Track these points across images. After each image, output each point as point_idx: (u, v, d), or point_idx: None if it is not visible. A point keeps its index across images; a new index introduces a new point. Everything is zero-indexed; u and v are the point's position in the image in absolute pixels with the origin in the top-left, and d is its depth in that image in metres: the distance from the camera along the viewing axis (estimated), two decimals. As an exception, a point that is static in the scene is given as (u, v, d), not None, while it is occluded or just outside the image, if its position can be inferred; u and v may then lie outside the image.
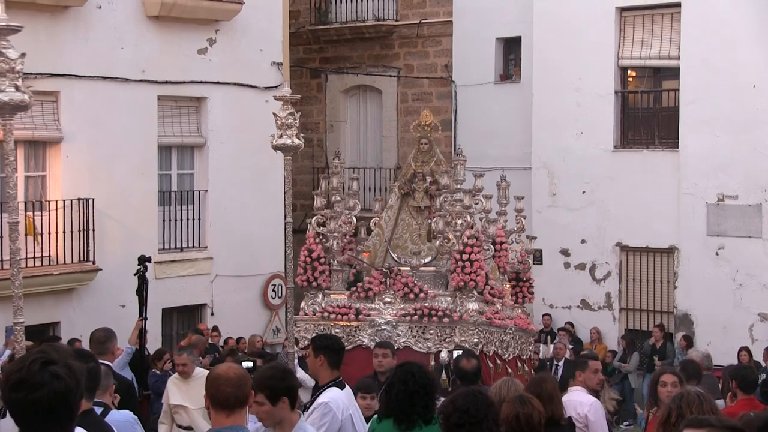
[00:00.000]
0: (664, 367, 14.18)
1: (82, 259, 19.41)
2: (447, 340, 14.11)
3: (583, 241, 23.55)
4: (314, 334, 12.80)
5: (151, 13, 20.75)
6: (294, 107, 11.51)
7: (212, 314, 22.01)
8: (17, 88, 7.71)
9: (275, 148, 11.68)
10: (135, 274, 16.28)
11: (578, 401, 9.59)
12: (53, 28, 18.76)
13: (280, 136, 11.53)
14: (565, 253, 23.78)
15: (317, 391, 8.79)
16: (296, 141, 11.59)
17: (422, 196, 15.95)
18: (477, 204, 15.01)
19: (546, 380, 8.20)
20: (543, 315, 23.48)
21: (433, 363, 13.92)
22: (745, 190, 21.57)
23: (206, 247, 22.16)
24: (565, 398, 9.36)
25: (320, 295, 14.94)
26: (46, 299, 19.09)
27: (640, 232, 22.83)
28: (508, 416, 6.65)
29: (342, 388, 8.66)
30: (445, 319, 14.09)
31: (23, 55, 7.80)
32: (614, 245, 23.28)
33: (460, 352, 12.31)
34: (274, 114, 11.66)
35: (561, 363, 18.54)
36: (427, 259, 15.58)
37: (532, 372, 15.79)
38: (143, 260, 16.55)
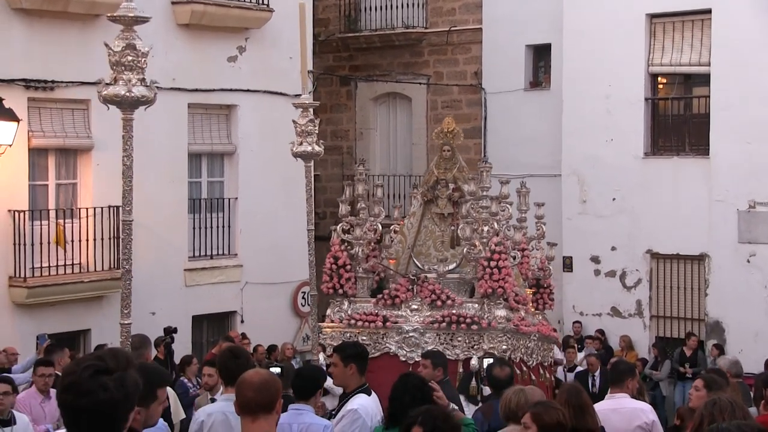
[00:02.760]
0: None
1: (112, 266, 19.45)
2: (475, 347, 14.06)
3: (613, 249, 23.45)
4: (338, 343, 12.80)
5: (182, 21, 20.87)
6: (317, 115, 11.55)
7: (242, 321, 22.04)
8: (143, 83, 7.55)
9: (295, 155, 11.72)
10: (160, 344, 16.33)
11: (639, 408, 9.60)
12: (84, 36, 18.83)
13: (300, 144, 11.57)
14: (595, 260, 23.69)
15: (345, 398, 8.82)
16: (316, 148, 11.61)
17: (445, 203, 15.89)
18: (503, 211, 14.97)
19: (581, 390, 8.17)
20: (573, 322, 23.41)
21: (461, 370, 13.91)
22: (776, 197, 21.45)
23: (236, 254, 22.22)
24: (614, 405, 9.48)
25: (346, 303, 14.89)
26: (77, 307, 19.18)
27: (670, 240, 22.70)
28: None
29: (369, 394, 8.72)
30: (474, 326, 14.05)
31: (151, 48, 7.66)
32: (644, 252, 23.17)
33: (491, 360, 12.28)
34: (294, 121, 11.69)
35: (596, 374, 18.42)
36: (452, 266, 15.55)
37: (553, 379, 15.74)
38: (169, 331, 16.70)
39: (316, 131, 11.55)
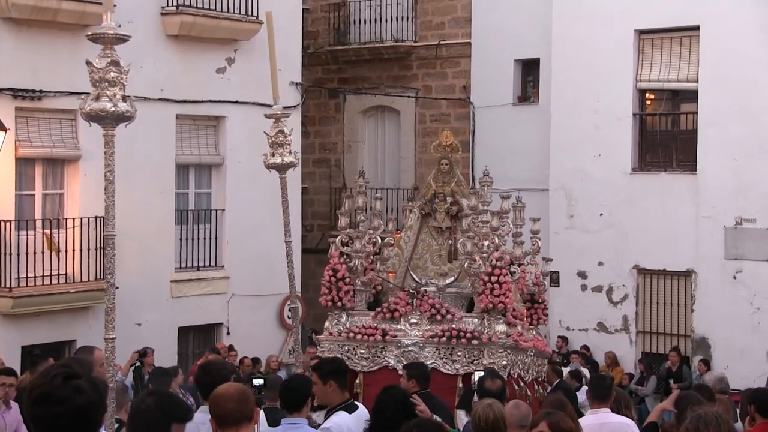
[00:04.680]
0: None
1: (98, 277, 19.36)
2: (475, 362, 13.94)
3: (600, 264, 23.46)
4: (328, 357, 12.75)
5: (171, 33, 20.86)
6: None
7: (228, 333, 22.02)
8: (124, 99, 7.57)
9: (268, 167, 11.63)
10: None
11: (625, 423, 9.58)
12: (73, 47, 18.77)
13: (272, 155, 11.48)
14: (582, 275, 23.69)
15: (328, 414, 8.76)
16: (287, 159, 11.51)
17: (443, 216, 15.83)
18: (504, 226, 14.92)
19: (566, 402, 8.15)
20: (557, 337, 23.39)
21: (460, 385, 13.83)
22: (763, 213, 21.47)
23: (223, 266, 22.19)
24: (599, 419, 9.48)
25: (344, 316, 14.81)
26: (62, 317, 19.11)
27: (657, 255, 22.72)
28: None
29: (351, 410, 8.63)
30: (474, 341, 13.99)
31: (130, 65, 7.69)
32: (631, 268, 23.18)
33: (482, 372, 12.27)
34: (265, 133, 11.64)
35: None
36: (450, 280, 15.51)
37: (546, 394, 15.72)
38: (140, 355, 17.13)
39: (288, 141, 11.46)
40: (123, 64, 7.48)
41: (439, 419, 8.63)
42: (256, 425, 7.84)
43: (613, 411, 9.84)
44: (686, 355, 22.26)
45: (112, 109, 7.44)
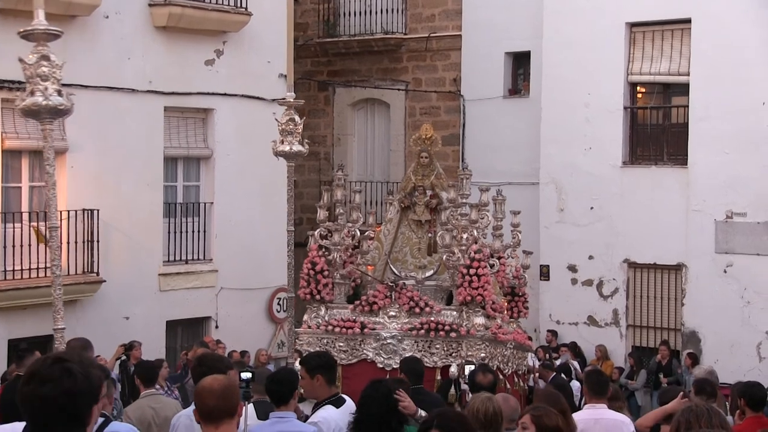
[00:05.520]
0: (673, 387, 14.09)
1: (86, 270, 19.32)
2: (453, 354, 13.98)
3: (590, 257, 23.39)
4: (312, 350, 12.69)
5: (159, 24, 20.71)
6: (299, 114, 11.44)
7: (216, 327, 21.91)
8: (59, 93, 7.58)
9: (276, 154, 11.59)
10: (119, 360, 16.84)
11: (621, 421, 9.52)
12: (60, 38, 18.58)
13: (281, 143, 11.43)
14: (572, 269, 23.63)
15: (315, 408, 8.69)
16: (297, 147, 11.47)
17: (423, 210, 15.78)
18: (483, 219, 14.88)
19: (560, 396, 8.09)
20: (546, 331, 23.34)
21: (439, 378, 13.81)
22: (754, 207, 21.41)
23: (211, 259, 22.06)
24: (595, 415, 9.40)
25: (323, 309, 14.78)
26: (50, 310, 18.92)
27: (647, 249, 22.67)
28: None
29: (338, 405, 8.56)
30: (452, 334, 13.96)
31: (65, 62, 7.76)
32: (622, 262, 23.12)
33: (472, 366, 12.22)
34: (276, 120, 11.58)
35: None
36: (429, 273, 15.45)
37: (526, 387, 15.67)
38: (126, 349, 17.19)
39: (299, 130, 11.42)
40: (55, 58, 7.59)
41: (424, 413, 8.58)
42: (240, 419, 7.94)
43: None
44: (676, 349, 22.22)
45: (45, 103, 7.53)
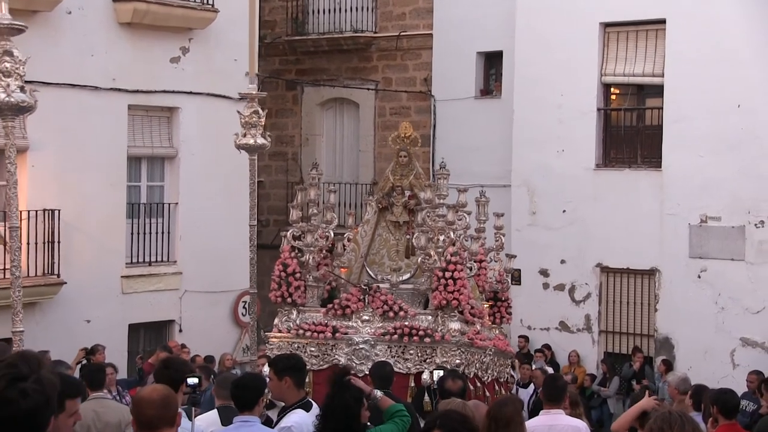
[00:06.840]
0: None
1: (46, 272, 19.03)
2: (428, 360, 13.62)
3: (562, 262, 23.13)
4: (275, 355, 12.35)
5: (123, 20, 20.46)
6: (264, 110, 11.38)
7: (180, 331, 21.73)
8: (22, 89, 7.67)
9: (239, 147, 11.57)
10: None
11: (575, 426, 9.49)
12: (21, 34, 18.16)
13: (244, 135, 11.31)
14: (544, 273, 23.35)
15: (283, 412, 8.55)
16: (261, 140, 11.41)
17: (401, 210, 15.44)
18: (460, 220, 14.53)
19: (507, 403, 7.87)
20: (518, 336, 23.01)
21: (412, 384, 13.45)
22: (728, 211, 21.23)
23: (175, 261, 21.84)
24: (549, 421, 9.37)
25: (295, 312, 14.37)
26: (8, 312, 18.45)
27: (621, 253, 22.43)
28: None
29: (308, 409, 8.42)
30: (427, 339, 13.59)
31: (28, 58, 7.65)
32: (594, 266, 22.87)
33: (442, 372, 11.93)
34: (238, 112, 11.51)
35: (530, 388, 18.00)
36: (406, 276, 15.08)
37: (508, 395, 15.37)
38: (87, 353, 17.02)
39: (261, 123, 11.29)
40: (18, 54, 7.47)
41: (380, 393, 8.78)
42: (196, 423, 8.29)
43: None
44: (649, 355, 22.04)
45: (6, 99, 7.45)
